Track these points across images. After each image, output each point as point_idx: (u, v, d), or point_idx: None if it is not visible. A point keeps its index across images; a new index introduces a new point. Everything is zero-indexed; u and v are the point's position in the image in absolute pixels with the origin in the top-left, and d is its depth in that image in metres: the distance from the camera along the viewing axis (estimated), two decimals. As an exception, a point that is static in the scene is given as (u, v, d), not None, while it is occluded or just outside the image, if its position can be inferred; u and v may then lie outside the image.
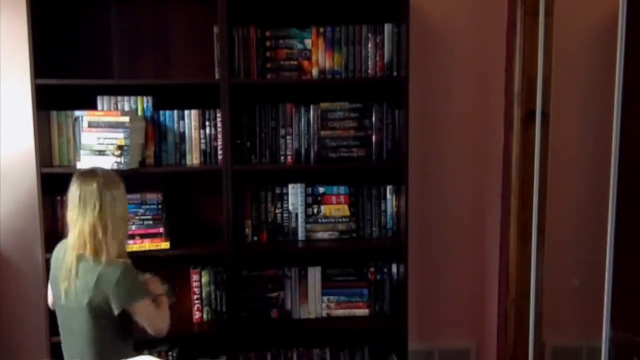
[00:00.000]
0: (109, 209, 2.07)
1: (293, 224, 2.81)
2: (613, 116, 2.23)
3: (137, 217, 2.67)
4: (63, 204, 2.72)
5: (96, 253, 2.06)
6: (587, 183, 2.96)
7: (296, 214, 2.80)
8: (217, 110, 2.67)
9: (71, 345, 2.17)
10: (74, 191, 2.09)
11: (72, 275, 2.06)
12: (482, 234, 3.03)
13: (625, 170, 2.22)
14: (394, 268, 2.84)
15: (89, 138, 2.57)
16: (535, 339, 2.72)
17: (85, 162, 2.56)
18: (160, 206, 2.70)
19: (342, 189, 2.81)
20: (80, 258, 2.07)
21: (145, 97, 2.70)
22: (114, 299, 2.05)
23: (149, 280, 2.27)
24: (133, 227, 2.65)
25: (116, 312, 2.07)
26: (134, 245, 2.64)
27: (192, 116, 2.72)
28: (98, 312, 2.07)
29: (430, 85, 2.92)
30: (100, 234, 2.05)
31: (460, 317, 3.08)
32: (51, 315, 2.63)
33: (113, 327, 2.11)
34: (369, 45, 2.72)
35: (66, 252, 2.12)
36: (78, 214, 2.06)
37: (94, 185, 2.06)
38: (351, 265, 2.87)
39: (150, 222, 2.67)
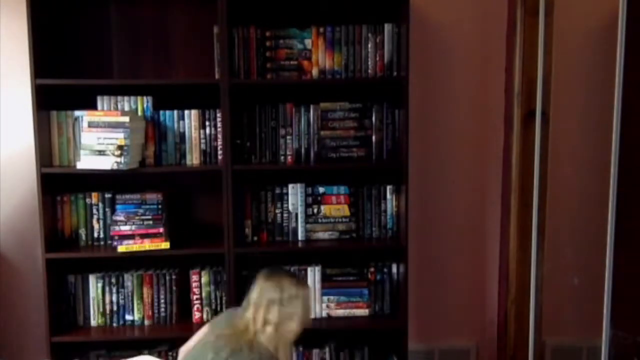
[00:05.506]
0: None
1: (293, 224, 2.81)
2: (613, 116, 2.23)
3: (137, 217, 2.66)
4: (63, 204, 2.74)
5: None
6: (587, 183, 2.96)
7: (296, 214, 2.80)
8: (217, 110, 2.67)
9: None
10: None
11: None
12: (482, 234, 3.03)
13: (625, 170, 2.23)
14: (394, 268, 2.84)
15: (89, 138, 2.57)
16: (535, 339, 2.72)
17: (85, 162, 2.56)
18: (160, 206, 2.70)
19: (342, 189, 2.81)
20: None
21: (145, 97, 2.70)
22: None
23: None
24: (133, 227, 2.65)
25: None
26: (134, 246, 2.64)
27: (192, 116, 2.72)
28: None
29: (430, 85, 2.92)
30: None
31: (460, 317, 3.07)
32: (51, 315, 2.64)
33: None
34: (369, 45, 2.72)
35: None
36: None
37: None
38: (351, 265, 2.87)
39: (150, 222, 2.67)
